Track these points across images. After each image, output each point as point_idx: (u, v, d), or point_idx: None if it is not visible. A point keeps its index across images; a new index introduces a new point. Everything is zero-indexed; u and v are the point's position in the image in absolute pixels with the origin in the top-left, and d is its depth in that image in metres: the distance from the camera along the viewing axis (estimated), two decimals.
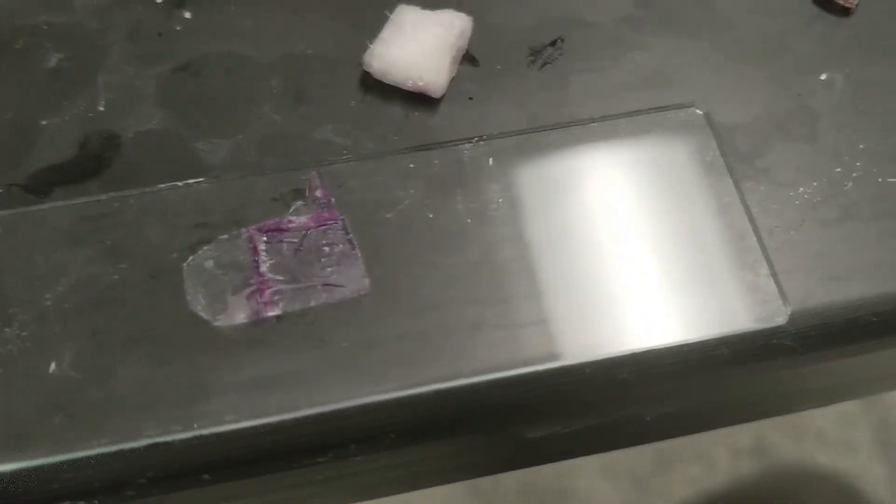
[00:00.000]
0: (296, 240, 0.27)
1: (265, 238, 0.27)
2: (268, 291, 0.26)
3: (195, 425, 0.25)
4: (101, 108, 0.30)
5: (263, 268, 0.27)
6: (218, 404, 0.25)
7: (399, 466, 0.29)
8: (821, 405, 0.36)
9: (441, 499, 0.77)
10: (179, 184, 0.28)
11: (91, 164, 0.29)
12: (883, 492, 0.79)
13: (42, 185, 0.29)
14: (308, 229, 0.27)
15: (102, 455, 0.25)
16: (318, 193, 0.28)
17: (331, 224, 0.27)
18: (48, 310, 0.27)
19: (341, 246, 0.27)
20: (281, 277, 0.27)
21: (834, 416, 0.83)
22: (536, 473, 0.79)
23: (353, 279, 0.27)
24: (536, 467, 0.78)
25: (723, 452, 0.80)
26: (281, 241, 0.27)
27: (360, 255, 0.27)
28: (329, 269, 0.27)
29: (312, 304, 0.26)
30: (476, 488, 0.79)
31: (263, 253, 0.27)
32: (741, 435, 0.81)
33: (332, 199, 0.28)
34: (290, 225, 0.27)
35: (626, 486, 0.79)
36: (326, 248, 0.27)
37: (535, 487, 0.79)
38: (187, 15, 0.33)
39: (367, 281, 0.27)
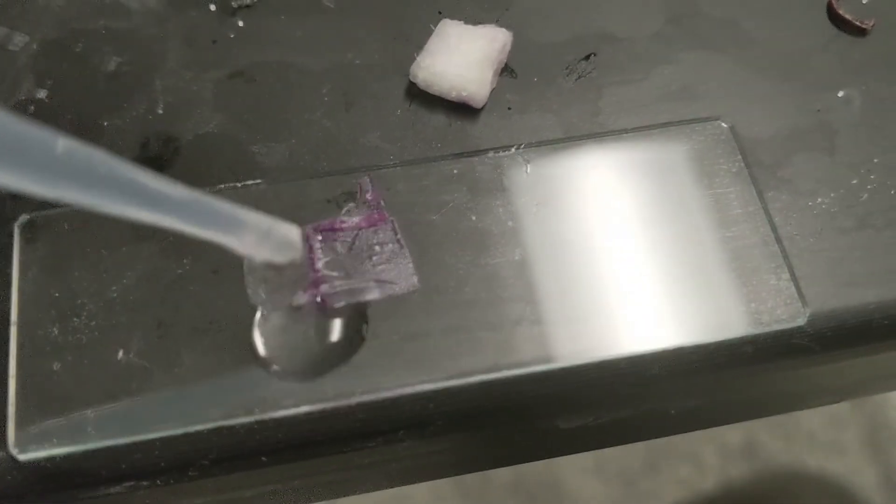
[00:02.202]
0: (349, 239, 0.29)
1: (320, 237, 0.29)
2: (323, 286, 0.28)
3: (256, 410, 0.27)
4: (160, 111, 0.32)
5: (319, 264, 0.28)
6: (277, 391, 0.27)
7: (442, 453, 0.30)
8: (833, 402, 0.38)
9: (430, 495, 0.77)
10: (238, 184, 0.30)
11: (151, 164, 0.31)
12: (872, 493, 0.80)
13: None
14: (360, 229, 0.29)
15: (168, 438, 0.27)
16: (369, 196, 0.30)
17: (381, 225, 0.29)
18: (114, 301, 0.28)
19: (391, 245, 0.29)
20: (335, 273, 0.28)
21: (823, 418, 0.83)
22: (527, 470, 0.79)
23: (402, 276, 0.28)
24: (527, 464, 0.78)
25: (713, 453, 0.81)
26: (335, 240, 0.29)
27: (409, 254, 0.29)
28: (380, 267, 0.29)
29: (365, 298, 0.28)
30: (466, 484, 0.78)
31: (319, 251, 0.29)
32: (731, 435, 0.81)
33: (382, 202, 0.30)
34: (344, 225, 0.29)
35: (617, 485, 0.79)
36: (377, 247, 0.29)
37: (526, 484, 0.79)
38: (240, 23, 0.34)
39: (415, 278, 0.29)
